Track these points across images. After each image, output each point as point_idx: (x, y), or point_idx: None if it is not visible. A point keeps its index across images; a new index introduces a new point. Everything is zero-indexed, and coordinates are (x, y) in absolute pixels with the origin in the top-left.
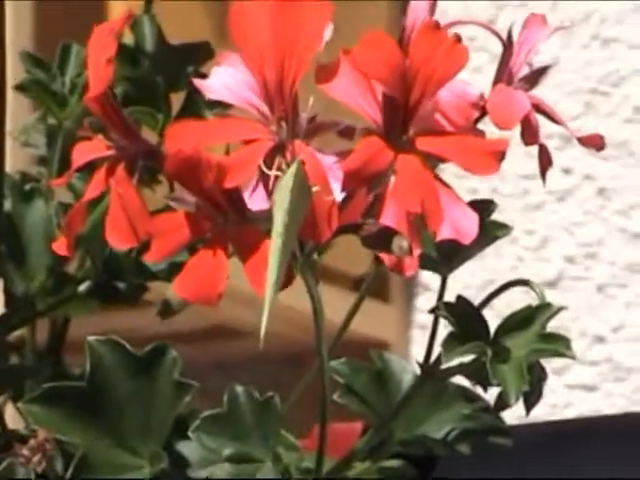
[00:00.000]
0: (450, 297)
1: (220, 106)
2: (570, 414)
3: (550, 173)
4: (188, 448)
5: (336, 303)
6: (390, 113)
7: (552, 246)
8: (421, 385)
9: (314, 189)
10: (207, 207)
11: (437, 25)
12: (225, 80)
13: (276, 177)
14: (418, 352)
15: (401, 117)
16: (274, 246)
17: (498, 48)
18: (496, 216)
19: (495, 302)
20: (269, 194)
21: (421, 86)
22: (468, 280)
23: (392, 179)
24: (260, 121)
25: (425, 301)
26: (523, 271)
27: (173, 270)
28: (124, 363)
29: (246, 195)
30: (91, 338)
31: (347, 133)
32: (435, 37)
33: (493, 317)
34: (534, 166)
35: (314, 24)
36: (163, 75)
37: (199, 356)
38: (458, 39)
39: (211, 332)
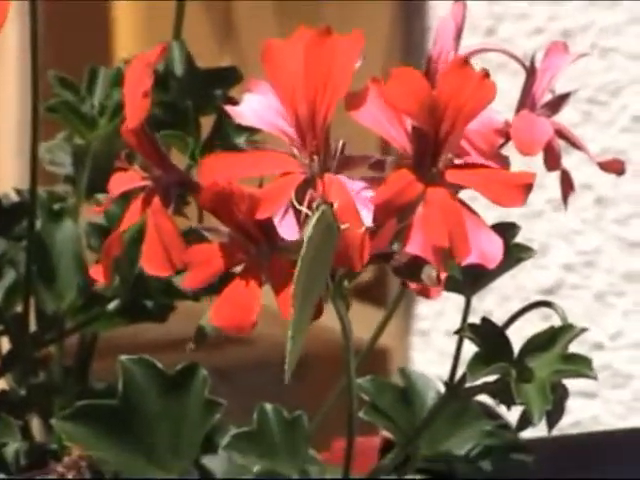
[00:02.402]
0: (445, 305)
1: (249, 131)
2: (568, 421)
3: (547, 181)
4: (213, 463)
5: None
6: (420, 146)
7: (551, 254)
8: (446, 403)
9: (343, 227)
10: (240, 238)
11: (466, 61)
12: (256, 107)
13: (306, 214)
14: (418, 359)
15: (430, 150)
16: (296, 292)
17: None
18: None
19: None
20: (300, 225)
21: (450, 120)
22: None
23: (420, 209)
24: (292, 154)
25: (424, 308)
26: (522, 279)
27: (200, 290)
28: (155, 382)
29: (277, 225)
30: (123, 357)
31: (378, 166)
32: (464, 73)
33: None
34: None
35: (345, 59)
36: (192, 99)
37: (200, 362)
38: (486, 74)
39: (210, 339)
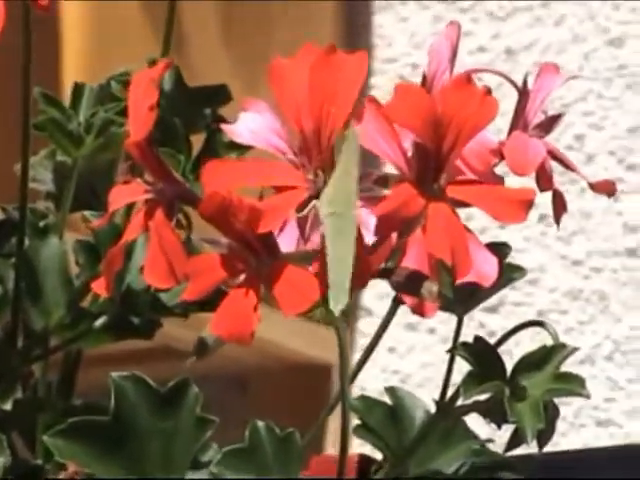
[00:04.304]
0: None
1: (239, 149)
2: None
3: None
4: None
5: (283, 325)
6: (422, 161)
7: None
8: (437, 422)
9: None
10: (240, 248)
11: (469, 78)
12: (251, 125)
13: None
14: (361, 375)
15: (433, 166)
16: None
17: None
18: None
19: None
20: (303, 236)
21: (453, 136)
22: None
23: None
24: (297, 167)
25: (367, 325)
26: None
27: (188, 305)
28: (147, 399)
29: (278, 237)
30: (115, 374)
31: (381, 181)
32: (467, 89)
33: None
34: None
35: (352, 76)
36: (182, 117)
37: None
38: (488, 91)
39: (157, 352)
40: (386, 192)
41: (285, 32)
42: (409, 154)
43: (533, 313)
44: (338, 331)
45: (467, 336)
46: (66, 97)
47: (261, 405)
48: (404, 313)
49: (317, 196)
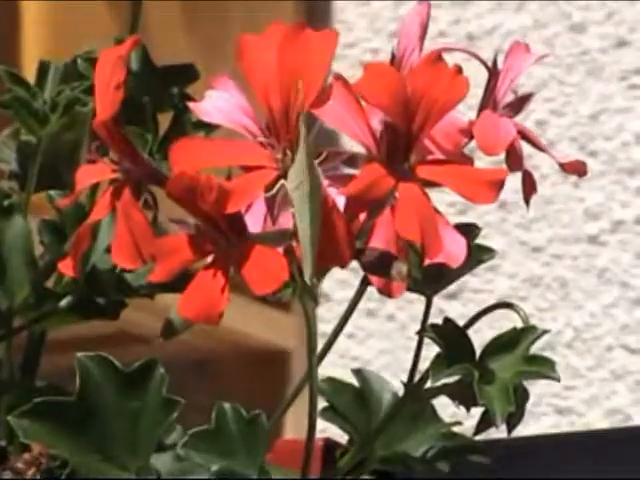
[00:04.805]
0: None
1: (207, 127)
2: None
3: None
4: (160, 461)
5: (239, 311)
6: (391, 141)
7: None
8: (405, 404)
9: None
10: (208, 229)
11: (439, 56)
12: (219, 104)
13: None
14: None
15: (402, 145)
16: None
17: None
18: None
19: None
20: (271, 216)
21: (423, 115)
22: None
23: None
24: (265, 146)
25: (325, 311)
26: None
27: (154, 287)
28: (113, 379)
29: (246, 217)
30: (80, 354)
31: (350, 161)
32: (437, 68)
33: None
34: None
35: (320, 55)
36: (149, 96)
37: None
38: (459, 70)
39: (113, 337)
40: (355, 172)
41: (244, 17)
42: (377, 133)
43: (492, 300)
44: (305, 308)
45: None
46: (27, 74)
47: (219, 390)
48: (363, 299)
49: (285, 175)
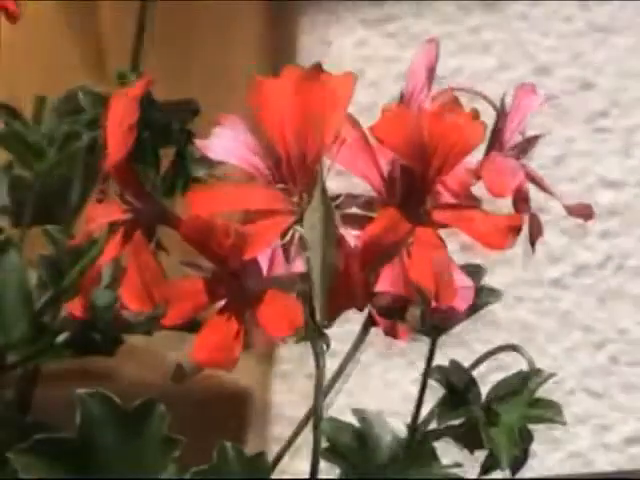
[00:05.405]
0: (307, 348)
1: (208, 165)
2: None
3: None
4: None
5: None
6: (407, 185)
7: None
8: (408, 446)
9: None
10: (223, 273)
11: (456, 101)
12: (226, 141)
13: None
14: (279, 401)
15: (418, 189)
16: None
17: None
18: None
19: None
20: (287, 260)
21: (439, 160)
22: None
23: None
24: (282, 190)
25: (286, 351)
26: None
27: (152, 323)
28: (113, 417)
29: (261, 261)
30: (81, 391)
31: (366, 205)
32: (454, 113)
33: None
34: None
35: (337, 98)
36: (151, 131)
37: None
38: (476, 115)
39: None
40: (371, 215)
41: (207, 59)
42: (387, 176)
43: (452, 341)
44: (315, 351)
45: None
46: None
47: (180, 430)
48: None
49: (302, 220)
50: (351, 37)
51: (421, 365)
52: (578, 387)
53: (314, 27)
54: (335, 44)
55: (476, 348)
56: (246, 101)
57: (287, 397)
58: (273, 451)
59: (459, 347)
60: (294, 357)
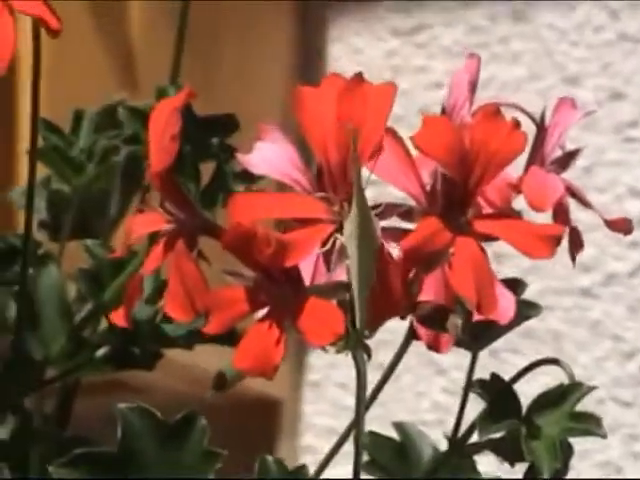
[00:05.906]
0: (337, 356)
1: (248, 179)
2: None
3: None
4: None
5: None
6: (448, 195)
7: None
8: (449, 459)
9: None
10: (264, 281)
11: (497, 110)
12: (267, 155)
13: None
14: (309, 410)
15: (459, 199)
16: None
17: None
18: None
19: None
20: (328, 268)
21: (480, 169)
22: None
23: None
24: (322, 199)
25: (316, 359)
26: None
27: (192, 337)
28: (154, 431)
29: (302, 269)
30: (122, 405)
31: (406, 215)
32: (496, 122)
33: None
34: None
35: (378, 107)
36: (190, 146)
37: (95, 409)
38: (517, 125)
39: (108, 387)
40: (411, 226)
41: (236, 63)
42: (428, 186)
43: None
44: (356, 360)
45: (413, 369)
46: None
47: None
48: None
49: (342, 229)
50: (381, 47)
51: (451, 375)
52: (608, 396)
53: (344, 36)
54: (365, 53)
55: (506, 358)
56: (277, 109)
57: (317, 406)
58: (302, 460)
59: (489, 357)
60: (324, 366)
